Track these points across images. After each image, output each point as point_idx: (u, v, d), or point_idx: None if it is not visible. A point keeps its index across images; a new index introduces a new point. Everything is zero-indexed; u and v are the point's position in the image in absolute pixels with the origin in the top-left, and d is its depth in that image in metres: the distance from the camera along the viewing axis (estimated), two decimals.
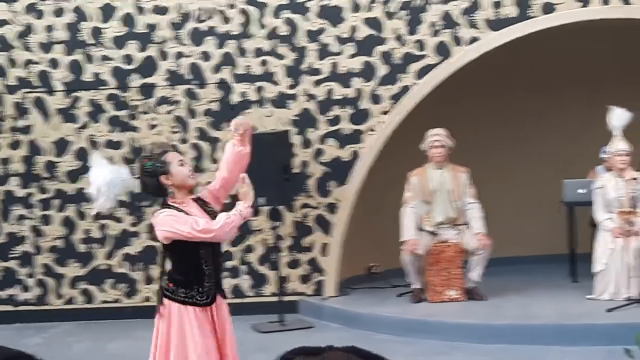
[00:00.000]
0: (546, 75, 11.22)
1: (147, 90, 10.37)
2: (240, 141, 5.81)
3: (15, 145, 10.50)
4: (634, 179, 9.35)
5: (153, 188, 5.56)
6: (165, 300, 5.60)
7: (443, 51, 10.04)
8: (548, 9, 9.87)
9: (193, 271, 5.56)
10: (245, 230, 10.33)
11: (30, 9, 10.39)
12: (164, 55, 10.35)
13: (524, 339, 8.61)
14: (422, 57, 10.08)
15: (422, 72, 10.07)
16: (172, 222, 5.41)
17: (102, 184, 5.58)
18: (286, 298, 10.05)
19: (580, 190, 10.06)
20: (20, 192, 10.52)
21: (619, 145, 9.42)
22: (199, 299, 5.55)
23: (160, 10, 10.32)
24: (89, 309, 10.53)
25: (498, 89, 11.19)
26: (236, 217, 5.47)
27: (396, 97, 10.12)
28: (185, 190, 5.58)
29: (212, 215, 5.57)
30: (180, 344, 5.53)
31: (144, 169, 5.55)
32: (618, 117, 9.39)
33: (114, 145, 10.43)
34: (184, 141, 10.36)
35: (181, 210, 5.48)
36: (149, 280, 10.42)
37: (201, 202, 5.66)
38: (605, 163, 10.56)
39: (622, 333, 8.23)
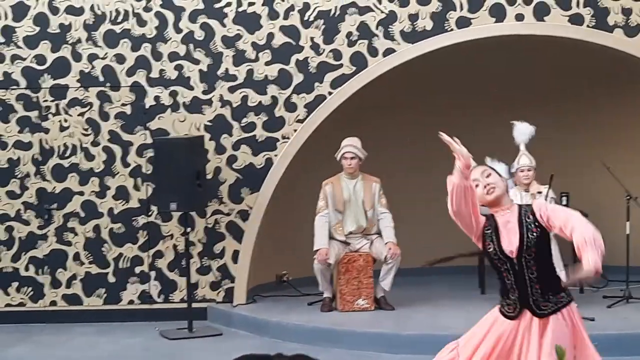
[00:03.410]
0: (460, 90, 11.32)
1: (59, 92, 10.21)
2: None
3: None
4: (539, 192, 9.48)
5: None
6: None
7: (359, 61, 10.07)
8: (464, 23, 9.98)
9: (501, 281, 5.53)
10: (155, 235, 10.25)
11: None
12: (77, 57, 10.20)
13: (432, 349, 8.58)
14: (338, 66, 10.10)
15: (338, 82, 10.10)
16: None
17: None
18: (195, 305, 9.97)
19: None
20: None
21: (521, 160, 9.53)
22: (506, 309, 5.48)
23: (75, 11, 10.18)
24: None
25: (417, 101, 11.25)
26: None
27: (311, 106, 10.13)
28: (492, 204, 5.54)
29: (530, 232, 5.39)
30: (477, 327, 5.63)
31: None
32: (521, 131, 9.49)
33: (23, 146, 10.25)
34: (95, 144, 10.24)
35: (492, 221, 5.50)
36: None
37: (525, 211, 5.47)
38: (514, 178, 10.71)
39: None
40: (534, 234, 5.37)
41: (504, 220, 5.45)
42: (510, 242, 5.39)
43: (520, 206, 5.53)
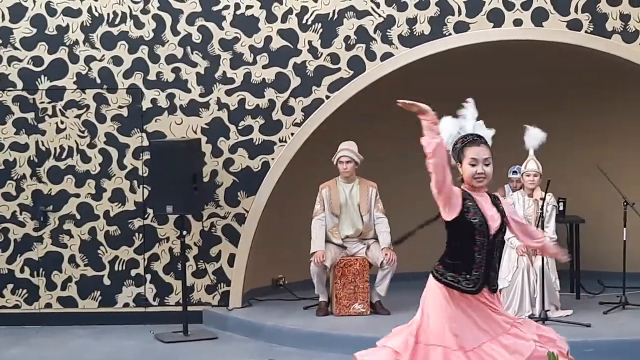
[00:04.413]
0: (456, 93, 11.29)
1: (55, 93, 10.19)
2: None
3: None
4: (542, 199, 9.48)
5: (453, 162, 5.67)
6: (431, 279, 5.70)
7: (356, 65, 10.06)
8: (462, 27, 9.97)
9: (467, 257, 5.59)
10: (151, 238, 10.24)
11: None
12: (74, 58, 10.19)
13: None
14: (336, 70, 10.09)
15: (335, 86, 10.09)
16: None
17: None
18: (191, 308, 9.95)
19: None
20: None
21: (528, 165, 9.57)
22: (464, 285, 5.58)
23: (72, 13, 10.17)
24: None
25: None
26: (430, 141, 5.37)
27: (308, 109, 10.11)
28: (472, 186, 5.63)
29: (502, 214, 5.65)
30: (431, 316, 5.63)
31: (453, 145, 5.69)
32: (533, 136, 9.48)
33: (19, 147, 10.23)
34: (91, 146, 10.22)
35: (469, 196, 5.58)
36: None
37: (494, 199, 5.70)
38: (512, 183, 10.69)
39: None
40: (506, 220, 5.68)
41: (482, 200, 5.63)
42: (492, 220, 5.59)
43: (489, 193, 5.71)
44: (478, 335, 5.51)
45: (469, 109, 5.85)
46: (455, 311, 5.54)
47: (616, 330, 8.95)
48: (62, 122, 10.24)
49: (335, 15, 10.08)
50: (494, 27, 9.95)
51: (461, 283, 5.57)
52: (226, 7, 10.13)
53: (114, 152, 10.24)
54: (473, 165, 5.58)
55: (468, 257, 5.59)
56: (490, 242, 5.58)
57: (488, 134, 5.87)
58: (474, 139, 5.68)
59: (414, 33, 10.01)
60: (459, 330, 5.51)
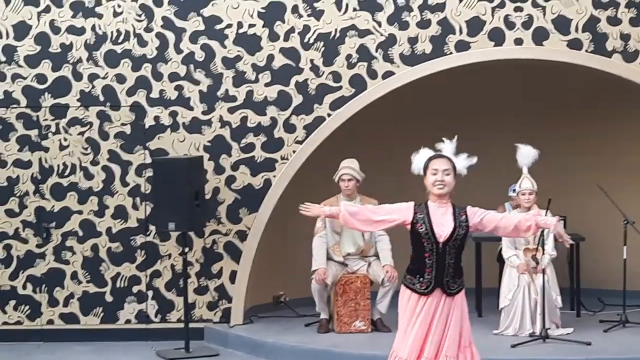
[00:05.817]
0: (456, 111, 11.35)
1: (59, 111, 10.24)
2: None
3: None
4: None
5: None
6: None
7: (358, 84, 10.11)
8: (463, 46, 10.02)
9: (419, 261, 6.44)
10: (153, 255, 10.26)
11: None
12: (77, 76, 10.24)
13: None
14: (337, 88, 10.14)
15: (337, 104, 10.13)
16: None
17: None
18: (192, 325, 9.97)
19: None
20: None
21: (523, 184, 9.59)
22: (418, 287, 6.43)
23: (76, 31, 10.23)
24: None
25: (411, 122, 11.28)
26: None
27: (310, 127, 10.16)
28: (435, 196, 6.43)
29: (461, 228, 6.39)
30: (401, 320, 6.54)
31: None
32: (524, 155, 9.54)
33: (23, 164, 10.27)
34: (94, 163, 10.26)
35: (424, 209, 6.46)
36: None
37: (458, 211, 6.44)
38: (512, 201, 10.72)
39: None
40: (463, 231, 6.41)
41: (440, 211, 6.41)
42: (442, 229, 6.37)
43: (454, 205, 6.47)
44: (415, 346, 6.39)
45: (448, 146, 6.63)
46: (411, 313, 6.45)
47: (616, 348, 8.96)
48: (65, 140, 10.29)
49: (337, 34, 10.13)
50: (494, 46, 10.00)
51: (416, 285, 6.43)
52: (229, 26, 10.20)
53: (116, 169, 10.29)
54: (434, 174, 6.40)
55: (421, 261, 6.42)
56: (440, 249, 6.38)
57: (465, 162, 6.64)
58: (438, 155, 6.52)
59: (416, 52, 10.07)
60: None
